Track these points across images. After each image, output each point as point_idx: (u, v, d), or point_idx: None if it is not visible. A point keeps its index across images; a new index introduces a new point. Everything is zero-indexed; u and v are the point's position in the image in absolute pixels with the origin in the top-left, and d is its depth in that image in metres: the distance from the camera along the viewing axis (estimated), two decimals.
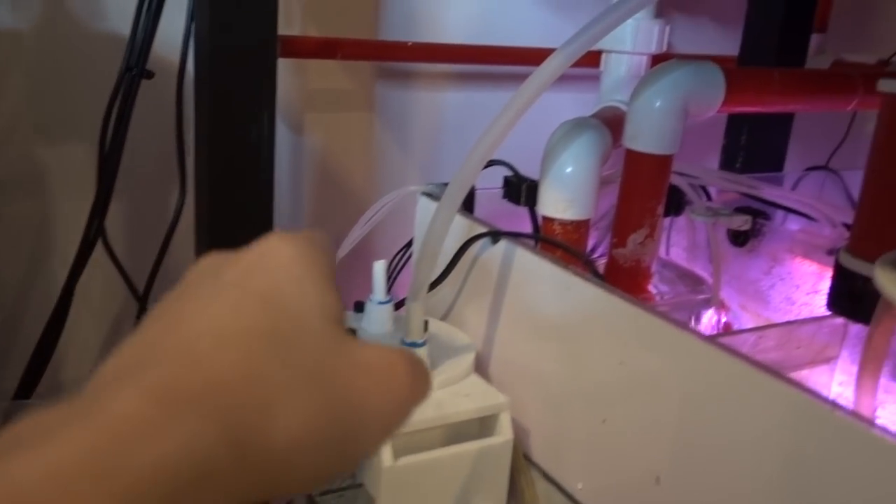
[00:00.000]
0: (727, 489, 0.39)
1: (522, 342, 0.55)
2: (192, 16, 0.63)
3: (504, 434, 0.51)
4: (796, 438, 0.35)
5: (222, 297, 0.23)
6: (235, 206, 0.61)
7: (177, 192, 0.72)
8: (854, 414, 0.34)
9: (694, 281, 0.76)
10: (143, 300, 0.73)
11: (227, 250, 0.26)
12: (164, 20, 0.68)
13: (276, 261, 0.24)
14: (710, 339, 0.41)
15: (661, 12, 0.81)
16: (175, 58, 0.69)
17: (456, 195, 0.50)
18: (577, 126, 0.68)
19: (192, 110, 0.62)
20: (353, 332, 0.55)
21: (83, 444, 0.17)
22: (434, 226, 0.50)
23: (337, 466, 0.22)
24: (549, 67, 0.45)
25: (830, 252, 0.64)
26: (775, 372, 0.37)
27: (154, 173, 0.80)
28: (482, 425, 0.52)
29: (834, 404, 0.34)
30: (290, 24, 0.82)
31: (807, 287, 0.70)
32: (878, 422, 0.34)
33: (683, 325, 0.42)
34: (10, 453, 0.16)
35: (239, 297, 0.23)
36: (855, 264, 0.52)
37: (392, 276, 0.72)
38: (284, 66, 0.62)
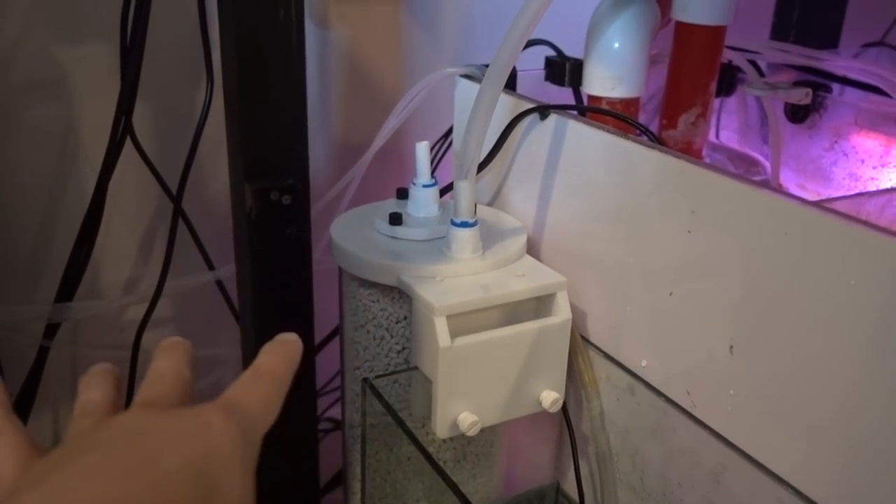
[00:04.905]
0: (813, 351, 0.37)
1: (576, 222, 0.52)
2: None
3: (562, 314, 0.49)
4: None
5: (151, 463, 0.25)
6: (266, 96, 0.58)
7: (204, 86, 0.68)
8: None
9: (748, 163, 0.72)
10: (177, 200, 0.71)
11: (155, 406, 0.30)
12: None
13: (216, 439, 0.27)
14: (792, 195, 0.38)
15: None
16: None
17: (501, 69, 0.46)
18: None
19: None
20: (398, 217, 0.53)
21: None
22: (480, 100, 0.47)
23: None
24: None
25: None
26: (869, 223, 0.34)
27: (179, 69, 0.77)
28: (539, 306, 0.50)
29: None
30: None
31: (873, 161, 0.66)
32: None
33: (759, 184, 0.39)
34: None
35: (177, 468, 0.26)
36: None
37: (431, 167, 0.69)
38: None
